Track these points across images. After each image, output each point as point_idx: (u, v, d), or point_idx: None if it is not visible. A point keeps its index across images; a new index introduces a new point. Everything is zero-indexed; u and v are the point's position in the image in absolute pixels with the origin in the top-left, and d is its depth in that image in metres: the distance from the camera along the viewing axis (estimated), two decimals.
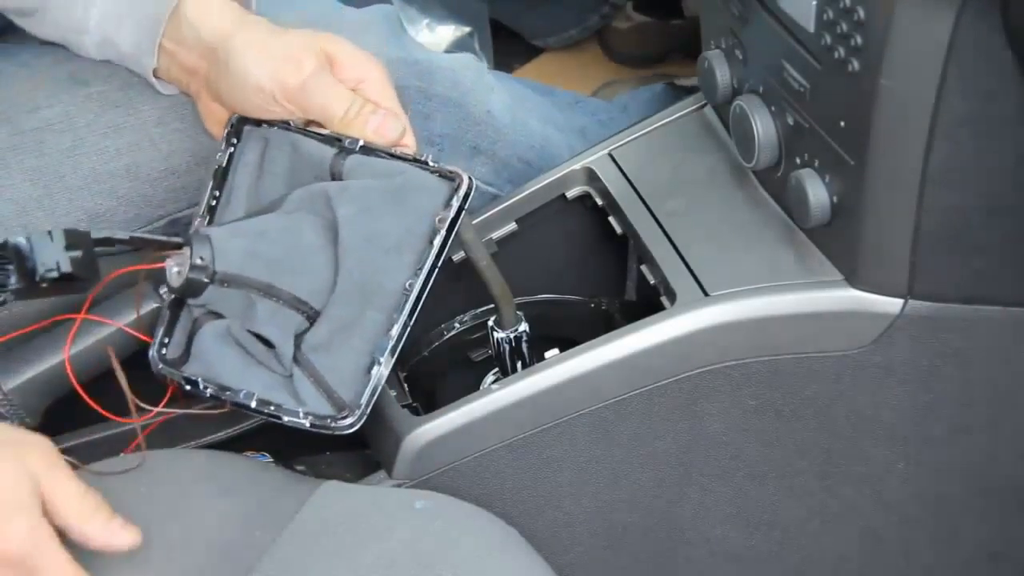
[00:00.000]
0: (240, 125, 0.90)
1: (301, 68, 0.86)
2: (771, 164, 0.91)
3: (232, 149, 0.90)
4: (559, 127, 1.20)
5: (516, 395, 0.86)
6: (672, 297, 0.88)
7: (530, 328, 0.91)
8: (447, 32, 1.55)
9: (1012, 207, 0.82)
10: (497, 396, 0.87)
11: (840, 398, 0.92)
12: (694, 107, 1.04)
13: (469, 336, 1.02)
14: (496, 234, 1.00)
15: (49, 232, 0.75)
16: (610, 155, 1.01)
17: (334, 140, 0.86)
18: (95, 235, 0.77)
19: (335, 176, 0.85)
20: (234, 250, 0.83)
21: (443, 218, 0.81)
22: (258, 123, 0.89)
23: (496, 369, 0.95)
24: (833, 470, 0.96)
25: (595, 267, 1.04)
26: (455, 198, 0.82)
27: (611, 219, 0.98)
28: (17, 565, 0.69)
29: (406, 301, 0.81)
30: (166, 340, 0.86)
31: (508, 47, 1.70)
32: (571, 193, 1.02)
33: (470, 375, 0.99)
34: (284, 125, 0.88)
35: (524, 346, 0.91)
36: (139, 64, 0.94)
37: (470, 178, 0.82)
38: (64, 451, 0.74)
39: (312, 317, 0.83)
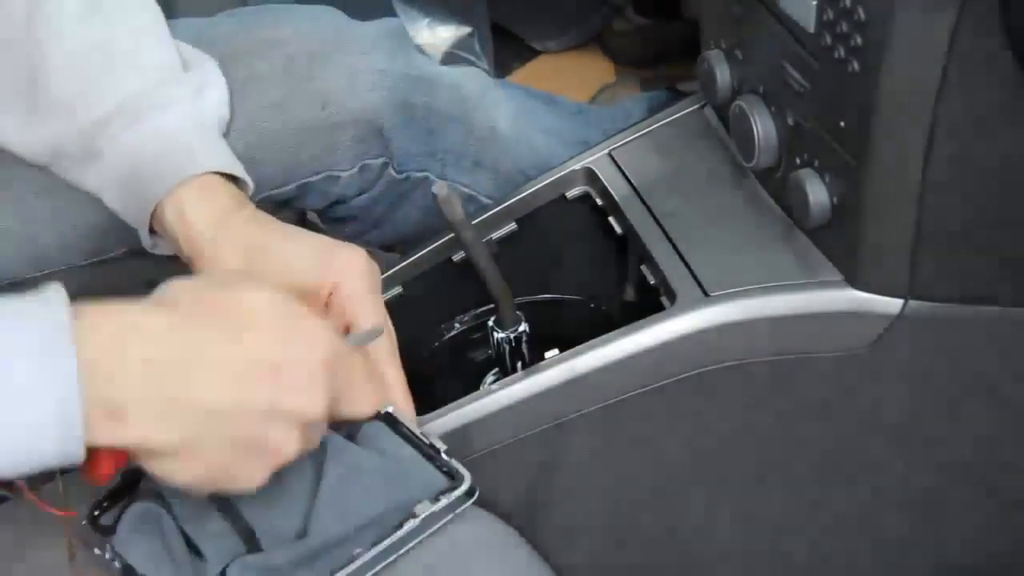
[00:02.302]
0: None
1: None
2: (771, 164, 0.91)
3: None
4: (563, 139, 1.20)
5: (516, 395, 0.86)
6: (672, 297, 0.88)
7: (530, 328, 0.91)
8: (447, 32, 1.54)
9: (1012, 207, 0.82)
10: (497, 396, 0.86)
11: (840, 398, 0.92)
12: (694, 107, 1.04)
13: (469, 336, 1.02)
14: (496, 234, 1.00)
15: None
16: (610, 155, 1.01)
17: None
18: None
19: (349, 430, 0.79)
20: None
21: (421, 512, 0.75)
22: None
23: (496, 369, 0.95)
24: (833, 470, 0.96)
25: (595, 267, 1.04)
26: (446, 497, 0.75)
27: (611, 219, 0.98)
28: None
29: (349, 563, 0.73)
30: (105, 504, 0.78)
31: (507, 48, 1.70)
32: (571, 193, 1.02)
33: (470, 375, 0.99)
34: None
35: (524, 346, 0.91)
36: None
37: (472, 487, 0.76)
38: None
39: (252, 550, 0.75)
